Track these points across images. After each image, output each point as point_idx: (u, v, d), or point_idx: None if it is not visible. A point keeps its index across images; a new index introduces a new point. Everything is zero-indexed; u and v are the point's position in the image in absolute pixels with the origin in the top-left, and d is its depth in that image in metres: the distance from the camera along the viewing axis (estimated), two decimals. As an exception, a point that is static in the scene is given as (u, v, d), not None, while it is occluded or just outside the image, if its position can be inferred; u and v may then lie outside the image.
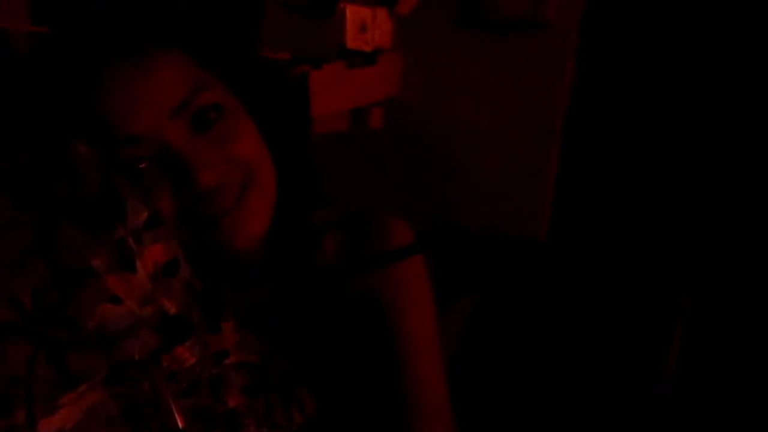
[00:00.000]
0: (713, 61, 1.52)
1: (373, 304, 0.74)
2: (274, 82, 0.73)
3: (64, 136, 0.57)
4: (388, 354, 0.72)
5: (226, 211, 0.63)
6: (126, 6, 0.63)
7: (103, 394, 0.49)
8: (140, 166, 0.59)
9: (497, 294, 1.58)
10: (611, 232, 1.62)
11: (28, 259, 0.50)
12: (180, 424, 0.53)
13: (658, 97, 1.57)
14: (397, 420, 0.71)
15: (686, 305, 1.35)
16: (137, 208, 0.58)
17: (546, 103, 1.63)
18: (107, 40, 0.59)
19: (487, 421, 1.20)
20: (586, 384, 1.35)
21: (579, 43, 1.60)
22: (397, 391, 0.71)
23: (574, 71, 1.60)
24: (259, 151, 0.65)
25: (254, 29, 1.79)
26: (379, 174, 1.80)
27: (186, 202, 0.61)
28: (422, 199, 1.78)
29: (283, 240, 0.73)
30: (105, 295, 0.52)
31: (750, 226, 1.55)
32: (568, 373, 1.36)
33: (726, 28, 1.50)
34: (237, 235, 0.64)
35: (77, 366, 0.49)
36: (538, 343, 1.43)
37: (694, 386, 1.45)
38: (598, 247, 1.62)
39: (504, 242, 1.70)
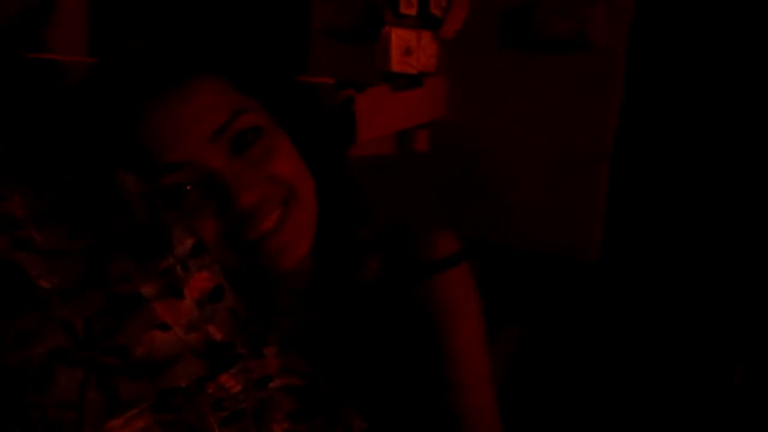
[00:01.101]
0: (769, 77, 1.47)
1: (421, 317, 0.73)
2: (312, 104, 0.75)
3: (112, 166, 0.59)
4: (436, 367, 0.72)
5: (269, 233, 0.63)
6: (166, 38, 0.65)
7: (150, 421, 0.50)
8: (184, 190, 0.61)
9: (547, 319, 1.55)
10: (664, 254, 1.57)
11: (82, 287, 0.52)
12: (226, 452, 0.53)
13: (710, 116, 1.53)
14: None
15: (748, 333, 1.30)
16: (183, 236, 0.59)
17: (594, 123, 1.60)
18: (148, 72, 0.62)
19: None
20: (639, 413, 1.30)
21: (628, 63, 1.57)
22: (447, 407, 0.71)
23: (622, 91, 1.57)
24: (298, 170, 0.66)
25: (294, 54, 1.83)
26: (425, 196, 1.79)
27: (229, 224, 0.62)
28: (469, 222, 1.76)
29: (329, 260, 0.74)
30: (154, 322, 0.53)
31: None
32: (622, 402, 1.32)
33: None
34: (281, 255, 0.65)
35: (126, 392, 0.49)
36: (589, 370, 1.40)
37: (760, 413, 1.38)
38: (651, 269, 1.57)
39: (554, 265, 1.67)
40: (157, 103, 0.60)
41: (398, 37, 1.42)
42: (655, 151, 1.58)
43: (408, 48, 1.42)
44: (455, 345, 0.72)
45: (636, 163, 1.59)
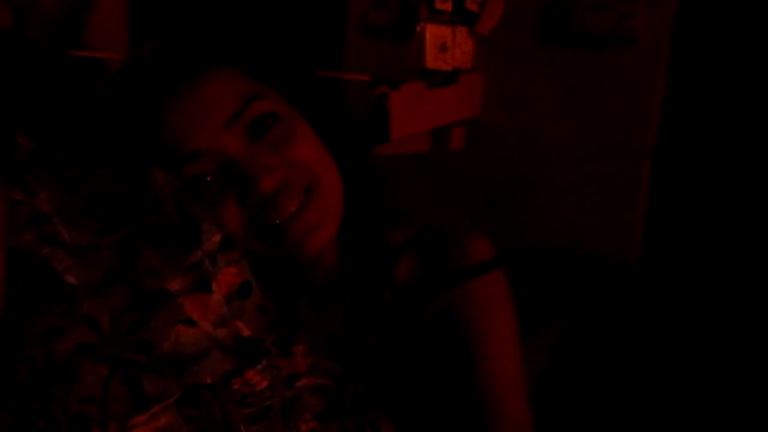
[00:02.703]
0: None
1: (453, 322, 0.71)
2: (333, 95, 0.74)
3: (142, 163, 0.59)
4: (468, 374, 0.70)
5: (292, 216, 0.63)
6: (180, 34, 0.66)
7: (175, 417, 0.49)
8: (205, 180, 0.61)
9: (586, 320, 1.51)
10: (706, 255, 1.53)
11: (109, 282, 0.52)
12: (251, 450, 0.52)
13: (755, 112, 1.48)
14: None
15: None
16: (211, 230, 0.59)
17: (636, 121, 1.56)
18: (161, 71, 0.63)
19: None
20: (678, 417, 1.26)
21: (671, 58, 1.53)
22: (478, 414, 0.69)
23: (665, 87, 1.53)
24: (321, 157, 0.66)
25: (329, 50, 1.82)
26: (461, 195, 1.77)
27: (252, 211, 0.62)
28: (505, 221, 1.74)
29: (358, 259, 0.73)
30: (180, 317, 0.53)
31: None
32: (661, 405, 1.28)
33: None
34: (306, 238, 0.64)
35: (151, 388, 0.49)
36: (628, 372, 1.36)
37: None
38: (693, 270, 1.53)
39: (594, 266, 1.64)
40: (172, 99, 0.61)
41: (433, 33, 1.40)
42: (698, 149, 1.53)
43: (443, 44, 1.41)
44: (488, 353, 0.70)
45: (679, 161, 1.55)
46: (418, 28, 1.41)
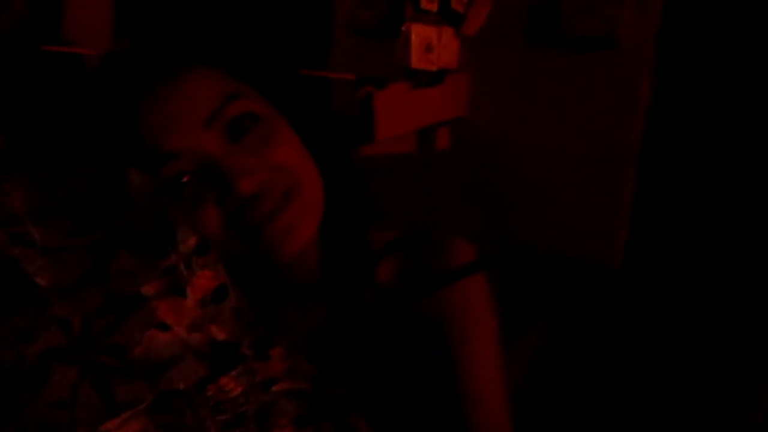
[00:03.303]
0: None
1: (434, 325, 0.71)
2: (314, 96, 0.73)
3: (119, 163, 0.58)
4: (447, 378, 0.70)
5: (268, 216, 0.62)
6: (160, 32, 0.65)
7: (146, 423, 0.48)
8: (182, 180, 0.60)
9: (568, 323, 1.51)
10: (690, 260, 1.53)
11: (82, 284, 0.51)
12: (224, 457, 0.51)
13: (738, 118, 1.49)
14: None
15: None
16: (187, 233, 0.58)
17: (621, 123, 1.56)
18: (138, 69, 0.61)
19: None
20: (660, 423, 1.27)
21: (656, 63, 1.53)
22: (458, 417, 0.68)
23: (650, 91, 1.53)
24: (300, 159, 0.65)
25: (316, 49, 1.81)
26: (446, 196, 1.77)
27: (231, 212, 0.61)
28: (491, 223, 1.73)
29: (338, 259, 0.72)
30: (154, 322, 0.52)
31: None
32: (642, 408, 1.28)
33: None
34: (284, 238, 0.63)
35: (122, 393, 0.48)
36: (610, 375, 1.36)
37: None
38: (676, 275, 1.53)
39: (577, 269, 1.64)
40: (149, 97, 0.60)
41: (419, 33, 1.39)
42: (682, 154, 1.54)
43: (429, 44, 1.40)
44: (469, 356, 0.70)
45: (663, 165, 1.56)
46: (403, 28, 1.41)
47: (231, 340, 0.57)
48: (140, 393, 0.49)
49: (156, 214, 0.59)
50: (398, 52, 1.42)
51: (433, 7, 1.41)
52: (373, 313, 0.72)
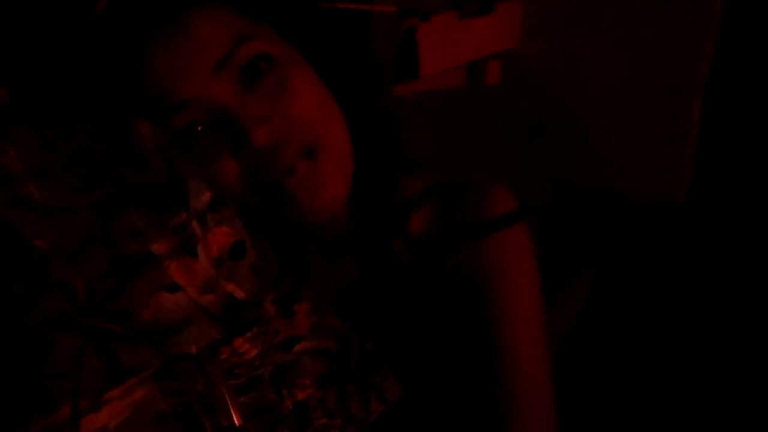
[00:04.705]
0: None
1: (470, 280, 0.67)
2: (338, 31, 0.68)
3: (126, 114, 0.55)
4: (485, 336, 0.66)
5: (287, 170, 0.58)
6: None
7: (152, 390, 0.47)
8: (195, 131, 0.57)
9: (625, 266, 1.45)
10: (758, 197, 1.42)
11: (86, 246, 0.49)
12: (237, 422, 0.50)
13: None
14: (492, 408, 0.65)
15: None
16: (201, 188, 0.55)
17: (687, 52, 1.44)
18: (144, 12, 0.57)
19: (600, 414, 1.10)
20: (722, 375, 1.20)
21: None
22: (494, 378, 0.65)
23: (720, 15, 1.40)
24: (322, 110, 0.61)
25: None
26: (496, 136, 1.70)
27: (249, 165, 0.58)
28: (544, 161, 1.66)
29: (368, 210, 0.69)
30: (163, 283, 0.50)
31: None
32: (703, 365, 1.22)
33: None
34: (305, 199, 0.60)
35: (127, 359, 0.47)
36: (671, 323, 1.30)
37: None
38: (742, 214, 1.43)
39: (638, 206, 1.56)
40: (157, 43, 0.56)
41: (465, -42, 1.31)
42: (753, 83, 1.41)
43: (476, -29, 1.31)
44: (508, 313, 0.66)
45: (732, 96, 1.43)
46: (450, -47, 1.32)
47: (251, 299, 0.55)
48: (147, 358, 0.47)
49: (167, 168, 0.56)
50: (444, -21, 1.34)
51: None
52: (404, 266, 0.69)
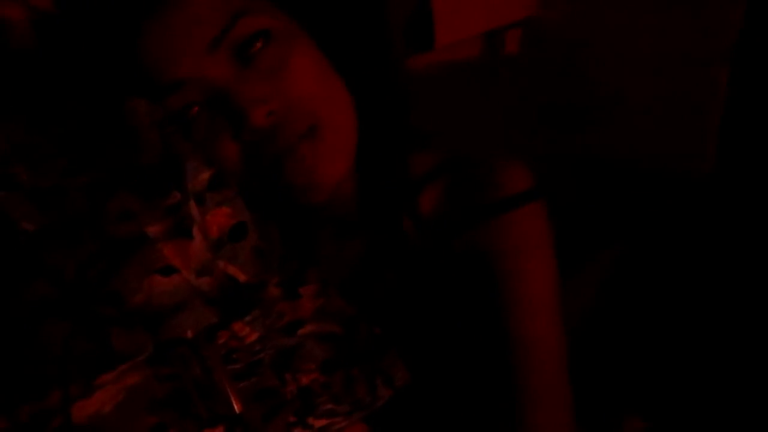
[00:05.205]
0: None
1: (482, 261, 0.65)
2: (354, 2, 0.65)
3: (121, 92, 0.53)
4: (496, 322, 0.64)
5: (287, 151, 0.56)
6: None
7: (146, 375, 0.45)
8: (191, 113, 0.55)
9: (647, 242, 1.41)
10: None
11: (76, 228, 0.47)
12: (237, 409, 0.48)
13: None
14: (502, 398, 0.63)
15: None
16: (198, 168, 0.53)
17: (714, 19, 1.38)
18: None
19: (620, 394, 1.08)
20: (749, 355, 1.17)
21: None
22: (505, 366, 0.64)
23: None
24: (324, 88, 0.58)
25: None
26: (515, 108, 1.66)
27: (249, 147, 0.56)
28: (564, 133, 1.62)
29: (376, 188, 0.67)
30: (154, 266, 0.48)
31: None
32: (727, 339, 1.18)
33: None
34: (306, 180, 0.58)
35: (120, 344, 0.45)
36: (694, 300, 1.26)
37: None
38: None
39: (662, 179, 1.52)
40: (151, 19, 0.54)
41: None
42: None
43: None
44: (521, 297, 0.64)
45: (760, 66, 1.37)
46: None
47: (253, 282, 0.53)
48: (140, 343, 0.46)
49: (162, 146, 0.55)
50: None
51: None
52: (414, 246, 0.67)
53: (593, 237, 1.31)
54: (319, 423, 0.53)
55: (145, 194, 0.50)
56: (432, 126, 0.72)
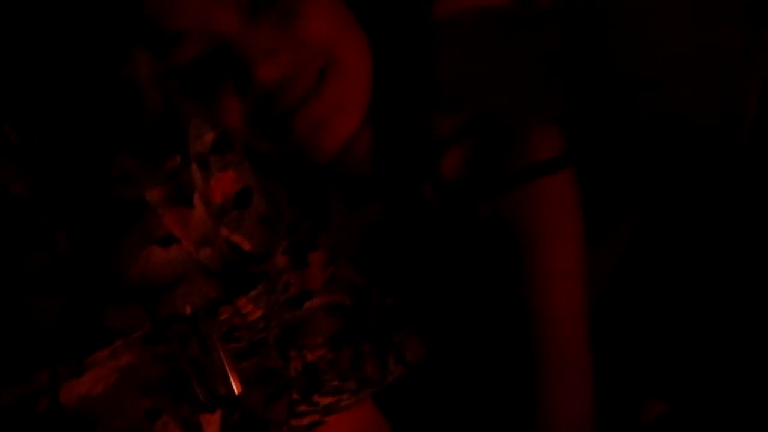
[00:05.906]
0: None
1: (507, 229, 0.62)
2: None
3: (122, 45, 0.49)
4: (518, 293, 0.61)
5: (297, 104, 0.52)
6: None
7: (141, 354, 0.43)
8: (195, 65, 0.50)
9: (678, 206, 1.36)
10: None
11: (69, 193, 0.44)
12: (237, 390, 0.45)
13: None
14: (525, 369, 0.61)
15: None
16: (202, 128, 0.50)
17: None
18: None
19: (641, 375, 1.05)
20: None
21: None
22: (529, 338, 0.61)
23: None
24: (339, 31, 0.54)
25: None
26: (547, 63, 1.59)
27: (254, 103, 0.52)
28: (594, 90, 1.56)
29: (395, 148, 0.63)
30: (153, 236, 0.45)
31: None
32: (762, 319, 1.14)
33: None
34: (316, 135, 0.53)
35: (113, 320, 0.42)
36: (721, 275, 1.22)
37: None
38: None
39: (695, 144, 1.46)
40: None
41: None
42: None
43: None
44: (546, 267, 0.60)
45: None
46: None
47: (259, 251, 0.50)
48: (135, 319, 0.43)
49: (164, 104, 0.51)
50: None
51: None
52: (434, 212, 0.63)
53: (617, 201, 1.27)
54: (325, 401, 0.51)
55: (145, 156, 0.46)
56: (455, 82, 0.68)
